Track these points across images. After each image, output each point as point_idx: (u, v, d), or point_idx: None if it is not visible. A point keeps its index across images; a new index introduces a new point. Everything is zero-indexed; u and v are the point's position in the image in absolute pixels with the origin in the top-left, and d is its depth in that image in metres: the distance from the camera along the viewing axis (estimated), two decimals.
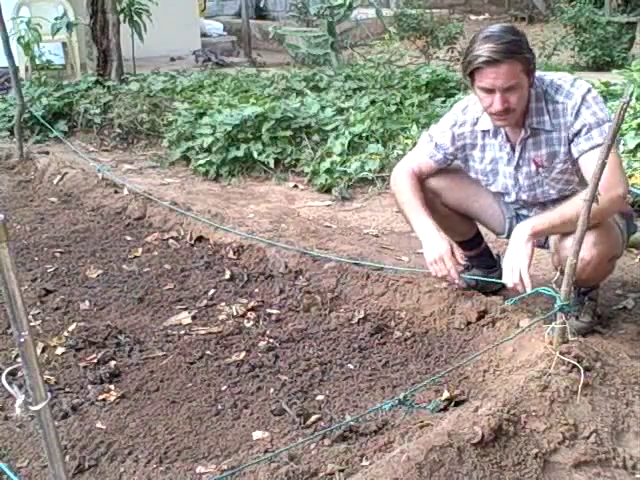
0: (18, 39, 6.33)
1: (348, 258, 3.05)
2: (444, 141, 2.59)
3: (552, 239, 2.46)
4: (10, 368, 1.96)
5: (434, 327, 2.61)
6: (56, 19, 6.65)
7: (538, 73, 2.41)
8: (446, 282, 2.62)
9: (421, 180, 2.63)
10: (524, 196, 2.55)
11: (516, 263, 2.30)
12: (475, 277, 2.75)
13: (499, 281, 2.41)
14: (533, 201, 2.57)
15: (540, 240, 2.52)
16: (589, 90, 2.35)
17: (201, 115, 5.12)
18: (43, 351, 2.51)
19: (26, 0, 7.34)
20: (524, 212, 2.64)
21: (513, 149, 2.48)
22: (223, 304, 2.87)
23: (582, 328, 2.49)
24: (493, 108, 2.33)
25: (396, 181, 2.64)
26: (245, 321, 2.74)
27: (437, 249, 2.48)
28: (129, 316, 2.80)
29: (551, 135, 2.41)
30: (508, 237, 2.79)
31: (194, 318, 2.77)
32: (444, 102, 5.14)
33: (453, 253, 2.49)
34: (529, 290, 2.26)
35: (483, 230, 2.86)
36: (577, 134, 2.34)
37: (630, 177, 3.44)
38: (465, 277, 2.70)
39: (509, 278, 2.32)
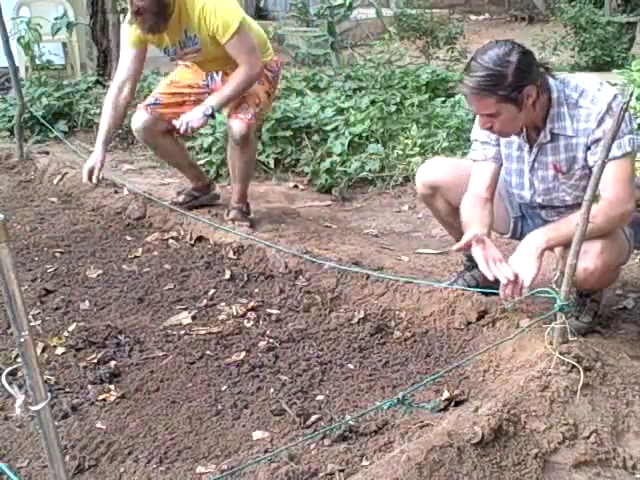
0: (18, 39, 6.33)
1: (348, 258, 3.05)
2: (486, 134, 2.48)
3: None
4: (10, 368, 1.97)
5: (434, 327, 2.61)
6: (56, 19, 6.64)
7: (562, 75, 2.35)
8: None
9: (489, 197, 2.49)
10: (539, 199, 2.52)
11: (521, 272, 2.21)
12: (480, 289, 2.64)
13: (496, 291, 2.35)
14: (548, 205, 2.53)
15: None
16: (615, 97, 2.27)
17: None
18: (43, 351, 2.51)
19: (26, 0, 7.34)
20: (538, 212, 2.60)
21: (531, 150, 2.44)
22: (223, 304, 2.87)
23: (582, 328, 2.48)
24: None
25: (461, 210, 2.49)
26: (245, 321, 2.74)
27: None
28: (129, 316, 2.80)
29: (571, 141, 2.34)
30: (512, 237, 2.78)
31: (194, 318, 2.77)
32: (444, 102, 5.14)
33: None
34: (525, 292, 2.20)
35: None
36: (596, 142, 2.26)
37: None
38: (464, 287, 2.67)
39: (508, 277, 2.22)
